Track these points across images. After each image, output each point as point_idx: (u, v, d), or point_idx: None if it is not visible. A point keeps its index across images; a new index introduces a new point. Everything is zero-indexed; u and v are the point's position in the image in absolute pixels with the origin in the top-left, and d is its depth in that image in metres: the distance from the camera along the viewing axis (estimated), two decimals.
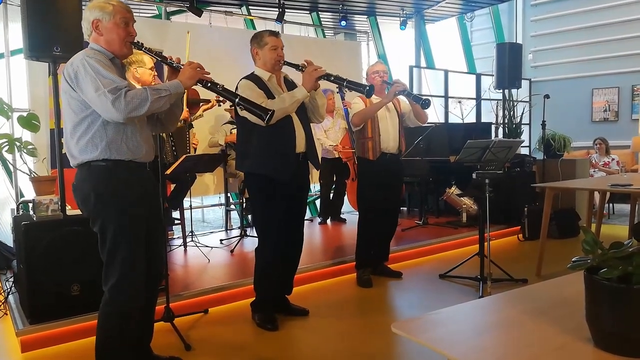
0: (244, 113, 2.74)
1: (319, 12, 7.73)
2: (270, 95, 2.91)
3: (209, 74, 2.27)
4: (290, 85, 3.09)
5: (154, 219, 2.32)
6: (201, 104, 4.69)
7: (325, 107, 3.12)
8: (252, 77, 2.97)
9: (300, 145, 2.98)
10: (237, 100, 2.31)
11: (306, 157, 3.05)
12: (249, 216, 5.40)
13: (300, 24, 7.64)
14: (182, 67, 2.23)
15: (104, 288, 2.16)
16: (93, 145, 2.06)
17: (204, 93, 4.18)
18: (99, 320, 2.20)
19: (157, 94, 2.03)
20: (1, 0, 4.93)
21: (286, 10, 6.86)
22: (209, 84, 2.25)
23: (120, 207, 2.10)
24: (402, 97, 3.83)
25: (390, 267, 4.15)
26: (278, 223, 3.00)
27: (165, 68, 2.36)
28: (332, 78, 2.91)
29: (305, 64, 2.94)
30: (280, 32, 3.05)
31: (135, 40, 2.20)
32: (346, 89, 3.05)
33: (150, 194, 2.29)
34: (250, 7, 7.09)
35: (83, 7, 3.22)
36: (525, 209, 5.36)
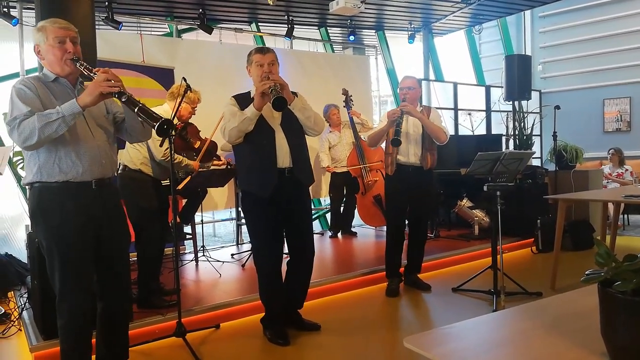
0: None
1: (328, 28, 7.81)
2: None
3: (119, 84, 2.09)
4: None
5: (111, 238, 2.28)
6: (214, 158, 4.41)
7: (312, 120, 3.01)
8: (240, 95, 3.05)
9: (284, 161, 2.93)
10: (136, 109, 2.10)
11: (292, 172, 2.97)
12: None
13: (309, 39, 7.71)
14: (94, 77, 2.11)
15: None
16: (29, 168, 2.15)
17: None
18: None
19: (45, 120, 1.98)
20: (16, 21, 5.05)
21: (295, 26, 6.94)
22: (119, 96, 2.07)
23: (49, 225, 2.13)
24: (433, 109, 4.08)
25: (422, 279, 4.17)
26: (267, 237, 3.01)
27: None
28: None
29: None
30: (268, 49, 3.00)
31: (75, 57, 2.17)
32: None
33: (95, 212, 2.20)
34: (259, 24, 7.18)
35: (96, 28, 3.29)
36: (538, 221, 5.30)
